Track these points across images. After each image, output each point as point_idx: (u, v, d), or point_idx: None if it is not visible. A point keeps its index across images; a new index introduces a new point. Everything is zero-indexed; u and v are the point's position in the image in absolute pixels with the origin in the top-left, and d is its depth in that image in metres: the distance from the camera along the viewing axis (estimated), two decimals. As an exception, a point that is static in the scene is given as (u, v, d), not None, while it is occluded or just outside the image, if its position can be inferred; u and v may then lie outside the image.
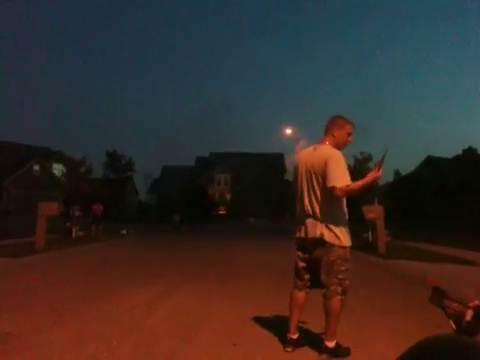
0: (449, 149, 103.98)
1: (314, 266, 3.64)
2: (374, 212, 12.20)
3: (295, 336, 3.77)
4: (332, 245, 3.51)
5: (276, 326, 4.38)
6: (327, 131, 3.75)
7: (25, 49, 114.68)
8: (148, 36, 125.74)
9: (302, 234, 3.68)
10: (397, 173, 49.27)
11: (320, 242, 3.53)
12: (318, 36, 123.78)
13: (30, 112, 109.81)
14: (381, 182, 39.84)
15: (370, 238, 13.59)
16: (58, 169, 45.29)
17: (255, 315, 4.87)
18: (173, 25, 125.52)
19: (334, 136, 3.70)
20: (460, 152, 42.52)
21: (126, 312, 5.03)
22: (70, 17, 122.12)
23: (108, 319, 4.69)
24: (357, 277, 8.24)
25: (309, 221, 3.61)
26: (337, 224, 3.55)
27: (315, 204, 3.59)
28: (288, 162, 60.29)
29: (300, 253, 3.78)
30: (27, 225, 15.82)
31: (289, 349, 3.71)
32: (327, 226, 3.53)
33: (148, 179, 62.02)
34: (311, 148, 3.77)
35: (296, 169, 3.82)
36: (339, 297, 3.53)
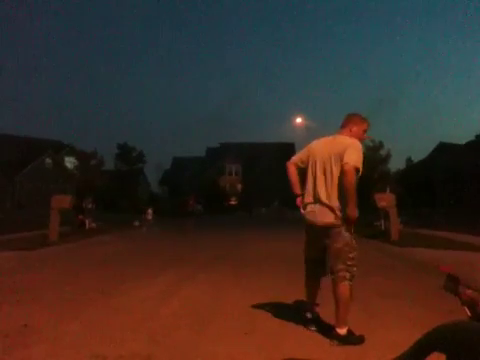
0: (462, 135, 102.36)
1: (322, 253, 3.75)
2: (386, 200, 12.11)
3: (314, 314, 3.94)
4: (340, 231, 3.59)
5: (288, 315, 4.38)
6: (345, 125, 3.88)
7: (37, 44, 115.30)
8: (158, 28, 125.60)
9: (313, 220, 3.74)
10: (409, 160, 48.86)
11: (329, 228, 3.62)
12: (330, 23, 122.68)
13: (41, 106, 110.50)
14: (393, 169, 39.61)
15: (383, 226, 13.50)
16: (70, 162, 45.64)
17: (267, 304, 4.88)
18: (183, 16, 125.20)
19: (351, 131, 3.83)
20: (473, 138, 41.98)
21: (139, 303, 5.06)
22: (81, 10, 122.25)
23: (122, 310, 4.72)
24: (370, 265, 8.21)
25: (321, 207, 3.67)
26: (344, 212, 3.58)
27: (330, 191, 3.64)
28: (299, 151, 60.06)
29: (310, 239, 3.88)
30: (40, 218, 16.00)
31: (313, 328, 3.87)
32: (337, 213, 3.59)
33: (159, 170, 62.22)
34: (330, 138, 3.86)
35: (310, 156, 3.86)
36: (347, 282, 3.60)
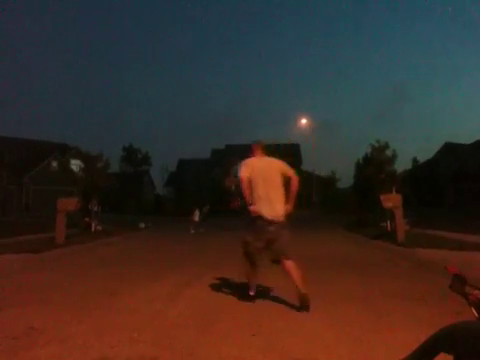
0: (468, 135, 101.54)
1: (266, 243, 4.88)
2: (392, 201, 12.05)
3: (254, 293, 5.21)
4: (286, 224, 4.94)
5: (294, 315, 4.39)
6: (256, 151, 5.39)
7: (41, 46, 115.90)
8: (161, 31, 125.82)
9: (272, 218, 4.83)
10: (415, 161, 48.53)
11: (282, 223, 4.89)
12: (335, 24, 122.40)
13: (45, 109, 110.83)
14: (399, 169, 39.35)
15: (389, 227, 13.42)
16: (76, 165, 45.74)
17: (272, 304, 4.90)
18: (186, 18, 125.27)
19: (262, 155, 5.34)
20: (479, 138, 41.76)
21: (145, 304, 5.09)
22: (84, 11, 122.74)
23: (128, 311, 4.75)
24: (376, 266, 8.20)
25: (277, 208, 4.89)
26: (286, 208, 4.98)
27: (280, 196, 4.97)
28: (304, 152, 59.98)
29: (262, 234, 4.87)
30: (46, 220, 16.06)
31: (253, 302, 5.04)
32: (283, 210, 4.92)
33: (164, 172, 62.18)
34: (261, 158, 5.30)
35: (255, 170, 5.04)
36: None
